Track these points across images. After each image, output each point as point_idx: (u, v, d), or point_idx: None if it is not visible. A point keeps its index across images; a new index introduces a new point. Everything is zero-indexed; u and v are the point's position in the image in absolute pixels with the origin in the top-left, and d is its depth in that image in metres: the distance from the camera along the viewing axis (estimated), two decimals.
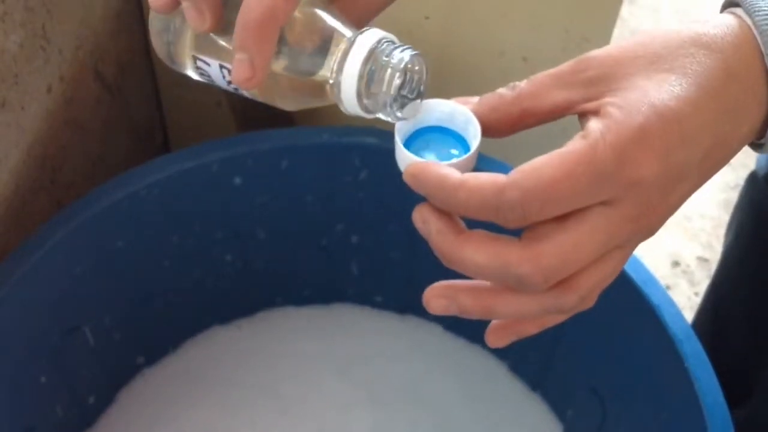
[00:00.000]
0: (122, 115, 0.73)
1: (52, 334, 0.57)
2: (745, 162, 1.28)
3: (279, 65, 0.33)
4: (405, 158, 0.33)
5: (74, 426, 0.62)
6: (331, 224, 0.67)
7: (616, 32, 0.67)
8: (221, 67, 0.35)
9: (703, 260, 1.18)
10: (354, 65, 0.32)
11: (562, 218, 0.31)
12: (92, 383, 0.63)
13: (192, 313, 0.68)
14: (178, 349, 0.69)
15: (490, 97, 0.34)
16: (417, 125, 0.34)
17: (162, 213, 0.61)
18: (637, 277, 0.54)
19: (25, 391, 0.56)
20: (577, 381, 0.63)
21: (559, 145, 0.31)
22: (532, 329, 0.35)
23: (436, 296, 0.33)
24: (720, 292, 0.73)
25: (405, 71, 0.33)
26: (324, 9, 0.34)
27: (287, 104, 0.35)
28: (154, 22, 0.36)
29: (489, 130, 0.34)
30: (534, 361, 0.66)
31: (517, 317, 0.34)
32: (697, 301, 1.06)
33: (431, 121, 0.34)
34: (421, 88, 0.34)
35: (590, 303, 0.34)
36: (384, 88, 0.32)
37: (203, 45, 0.35)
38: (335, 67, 0.33)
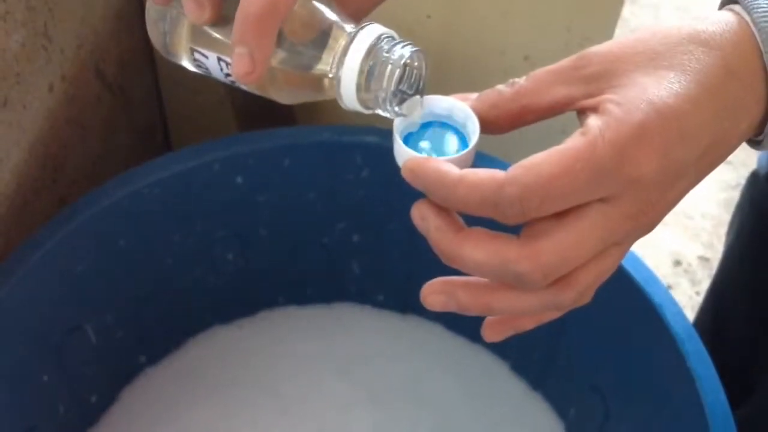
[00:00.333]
0: (123, 114, 0.73)
1: (53, 333, 0.57)
2: (746, 161, 1.28)
3: (277, 59, 0.33)
4: (403, 153, 0.33)
5: (76, 425, 0.62)
6: (332, 223, 0.67)
7: (617, 31, 0.67)
8: (219, 59, 0.35)
9: (704, 259, 1.18)
10: (355, 60, 0.32)
11: (560, 215, 0.31)
12: (94, 382, 0.63)
13: (193, 312, 0.68)
14: (179, 349, 0.69)
15: (489, 94, 0.34)
16: (416, 121, 0.34)
17: (163, 212, 0.61)
18: (639, 276, 0.54)
19: (27, 390, 0.56)
20: (578, 380, 0.63)
21: (559, 142, 0.31)
22: (529, 324, 0.35)
23: (434, 292, 0.33)
24: (721, 291, 0.73)
25: (405, 67, 0.33)
26: (323, 3, 0.34)
27: (284, 97, 0.35)
28: (151, 12, 0.36)
29: (488, 126, 0.34)
30: (535, 360, 0.66)
31: (516, 313, 0.34)
32: (699, 300, 1.06)
33: (430, 116, 0.34)
34: (421, 84, 0.34)
35: (588, 298, 0.34)
36: (384, 83, 0.32)
37: (201, 37, 0.35)
38: (335, 62, 0.33)
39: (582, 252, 0.31)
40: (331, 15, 0.33)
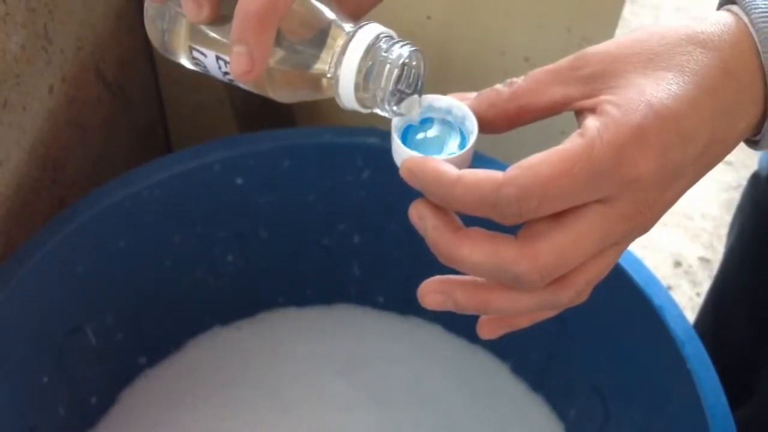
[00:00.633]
0: (124, 115, 0.73)
1: (54, 334, 0.57)
2: (746, 162, 1.28)
3: (275, 58, 0.33)
4: (401, 153, 0.33)
5: (76, 426, 0.62)
6: (332, 224, 0.67)
7: (618, 32, 0.67)
8: (218, 58, 0.35)
9: (704, 261, 1.18)
10: (353, 60, 0.32)
11: (558, 216, 0.31)
12: (94, 383, 0.63)
13: (193, 313, 0.68)
14: (179, 350, 0.69)
15: (487, 93, 0.34)
16: (414, 120, 0.34)
17: (163, 213, 0.60)
18: (639, 277, 0.54)
19: (27, 391, 0.56)
20: (578, 381, 0.63)
21: (558, 143, 0.31)
22: (524, 322, 0.35)
23: (432, 291, 0.33)
24: (722, 293, 0.73)
25: (403, 67, 0.33)
26: (321, 2, 0.34)
27: (282, 96, 0.35)
28: (149, 10, 0.36)
29: (486, 126, 0.34)
30: (536, 361, 0.66)
31: (513, 313, 0.34)
32: (699, 301, 1.06)
33: (428, 115, 0.34)
34: (419, 84, 0.34)
35: (584, 297, 0.34)
36: (382, 83, 0.32)
37: (200, 35, 0.35)
38: (334, 61, 0.33)
39: (580, 253, 0.31)
40: (329, 14, 0.33)
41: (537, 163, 0.30)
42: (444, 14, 0.66)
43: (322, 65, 0.33)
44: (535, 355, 0.65)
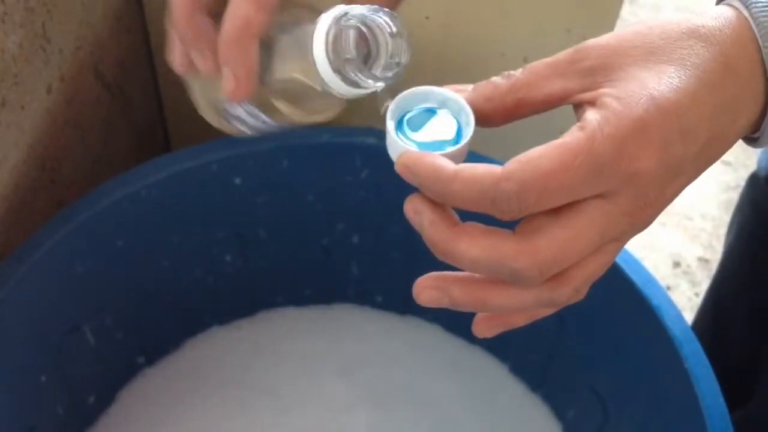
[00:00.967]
0: (123, 116, 0.73)
1: (52, 333, 0.57)
2: (745, 163, 1.28)
3: (275, 74, 0.34)
4: (396, 147, 0.32)
5: (74, 426, 0.62)
6: (331, 224, 0.67)
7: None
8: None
9: (703, 261, 1.18)
10: (320, 33, 0.32)
11: (557, 211, 0.30)
12: (92, 383, 0.63)
13: (192, 313, 0.68)
14: (178, 350, 0.69)
15: (484, 86, 0.33)
16: (408, 112, 0.34)
17: (162, 213, 0.61)
18: (638, 278, 0.54)
19: (25, 391, 0.56)
20: (577, 382, 0.63)
21: (556, 139, 0.31)
22: (521, 320, 0.35)
23: (427, 287, 0.33)
24: (720, 293, 0.73)
25: (368, 26, 0.32)
26: (305, 10, 0.34)
27: (299, 114, 0.36)
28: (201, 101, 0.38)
29: (483, 119, 0.33)
30: (534, 361, 0.66)
31: (511, 310, 0.34)
32: (698, 301, 1.06)
33: (423, 107, 0.34)
34: (402, 56, 0.33)
35: (583, 295, 0.33)
36: (348, 45, 0.32)
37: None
38: (310, 48, 0.33)
39: (579, 249, 0.31)
40: (311, 16, 0.33)
41: (537, 156, 0.30)
42: (443, 14, 0.66)
43: (308, 65, 0.33)
44: (534, 355, 0.66)
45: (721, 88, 0.32)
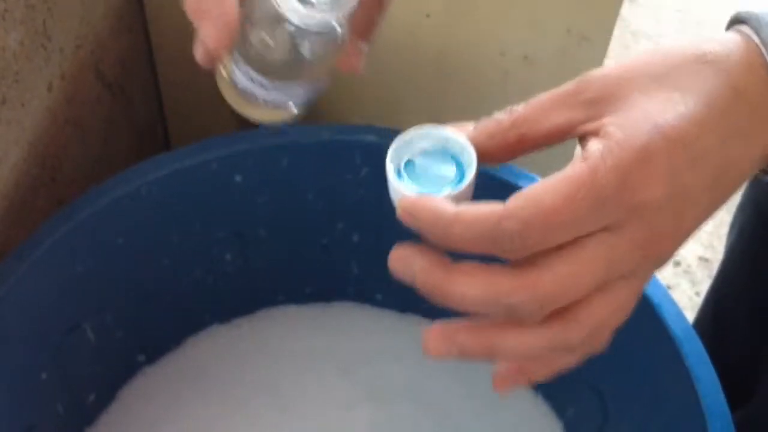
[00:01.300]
0: (123, 114, 0.73)
1: (52, 332, 0.57)
2: None
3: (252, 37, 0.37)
4: (397, 190, 0.31)
5: (74, 424, 0.62)
6: (331, 222, 0.67)
7: (616, 32, 0.67)
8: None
9: (704, 260, 1.18)
10: None
11: (560, 245, 0.29)
12: (93, 381, 0.63)
13: (192, 311, 0.68)
14: (178, 348, 0.69)
15: (486, 124, 0.33)
16: (410, 153, 0.33)
17: (162, 211, 0.60)
18: None
19: (25, 389, 0.56)
20: (578, 380, 0.62)
21: (565, 152, 0.30)
22: (541, 370, 0.34)
23: (434, 339, 0.32)
24: (721, 293, 0.73)
25: None
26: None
27: (281, 73, 0.38)
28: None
29: (486, 157, 0.32)
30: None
31: (521, 355, 0.32)
32: (698, 301, 1.06)
33: (425, 148, 0.33)
34: None
35: (602, 340, 0.32)
36: None
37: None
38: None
39: (582, 283, 0.29)
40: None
41: (539, 193, 0.29)
42: (443, 13, 0.66)
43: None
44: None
45: (731, 115, 0.31)
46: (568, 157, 0.30)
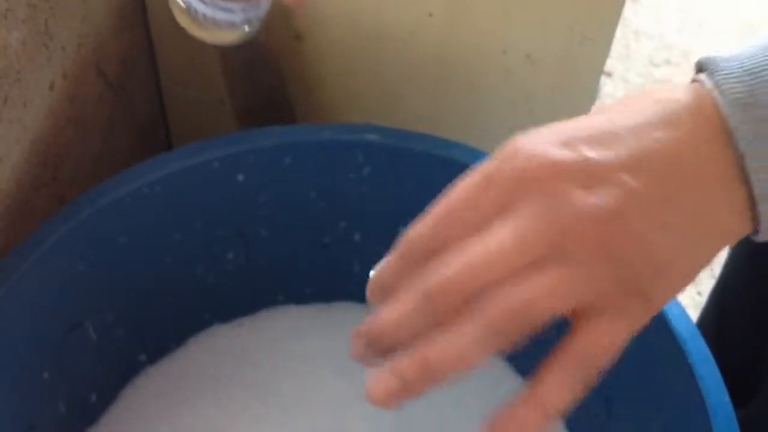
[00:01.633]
0: (125, 113, 0.73)
1: (54, 331, 0.57)
2: None
3: None
4: None
5: (76, 424, 0.62)
6: (333, 222, 0.67)
7: (618, 31, 0.67)
8: None
9: None
10: None
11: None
12: (94, 381, 0.63)
13: (194, 310, 0.68)
14: (179, 347, 0.69)
15: None
16: None
17: (164, 210, 0.60)
18: None
19: (26, 388, 0.56)
20: None
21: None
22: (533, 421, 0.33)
23: (375, 383, 0.32)
24: (724, 292, 0.73)
25: None
26: None
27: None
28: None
29: None
30: (537, 359, 0.66)
31: (455, 355, 0.32)
32: (701, 300, 1.06)
33: None
34: None
35: (532, 318, 0.32)
36: None
37: None
38: None
39: (491, 261, 0.30)
40: None
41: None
42: (445, 12, 0.65)
43: None
44: (537, 353, 0.65)
45: (639, 107, 0.30)
46: None
